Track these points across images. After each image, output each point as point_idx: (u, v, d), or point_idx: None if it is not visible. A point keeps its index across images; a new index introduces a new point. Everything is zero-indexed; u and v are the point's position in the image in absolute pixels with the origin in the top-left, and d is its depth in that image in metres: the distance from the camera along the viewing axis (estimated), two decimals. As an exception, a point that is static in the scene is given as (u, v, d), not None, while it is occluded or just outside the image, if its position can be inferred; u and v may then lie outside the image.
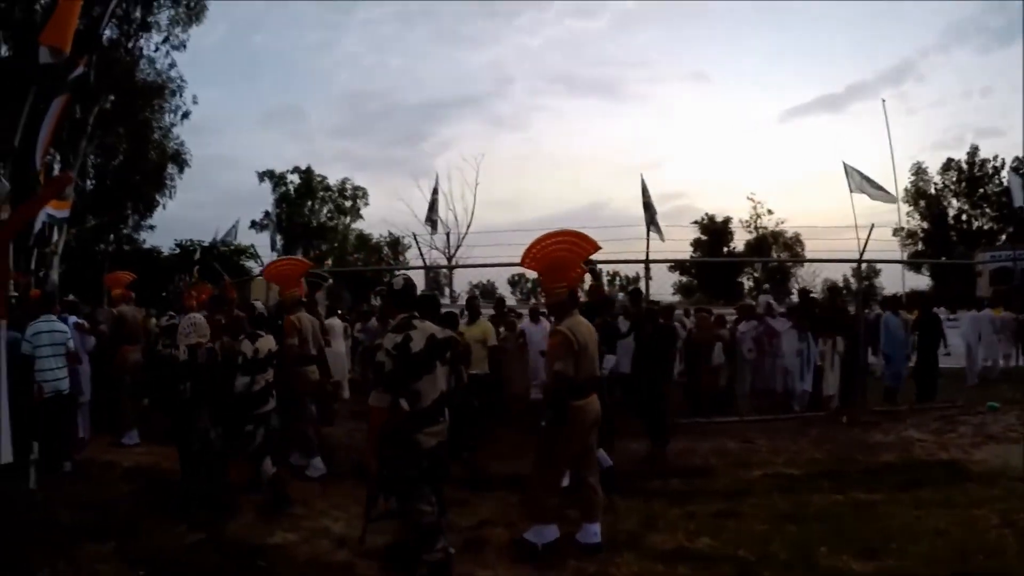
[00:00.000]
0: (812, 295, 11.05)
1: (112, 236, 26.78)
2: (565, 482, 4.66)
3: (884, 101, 37.88)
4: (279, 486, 5.31)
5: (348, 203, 43.11)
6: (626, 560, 4.12)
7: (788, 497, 5.30)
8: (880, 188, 10.12)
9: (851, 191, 10.37)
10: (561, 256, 4.87)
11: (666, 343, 7.29)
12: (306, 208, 41.76)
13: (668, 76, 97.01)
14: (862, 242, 9.26)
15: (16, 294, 6.53)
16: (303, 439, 6.40)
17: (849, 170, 10.33)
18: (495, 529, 4.71)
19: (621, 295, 11.31)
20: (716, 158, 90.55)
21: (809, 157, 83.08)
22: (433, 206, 11.97)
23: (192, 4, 24.83)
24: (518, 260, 7.60)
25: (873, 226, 9.04)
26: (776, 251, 41.53)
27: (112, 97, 23.24)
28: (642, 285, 9.42)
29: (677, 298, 35.82)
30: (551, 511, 4.36)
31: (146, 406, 7.39)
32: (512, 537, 4.44)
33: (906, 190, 38.62)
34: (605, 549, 4.29)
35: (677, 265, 36.51)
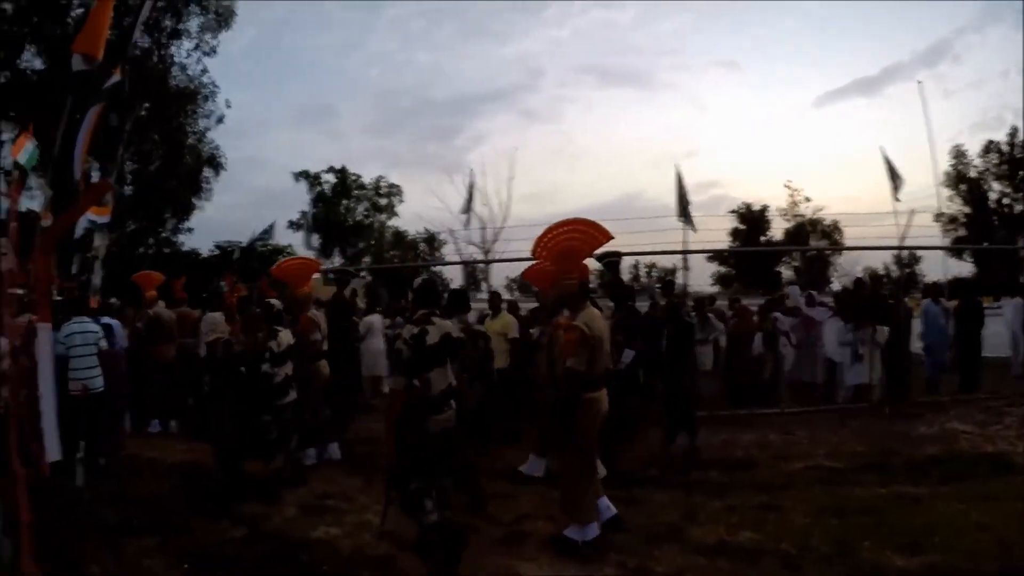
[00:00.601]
0: (863, 284, 10.80)
1: (152, 239, 27.47)
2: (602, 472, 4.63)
3: (920, 83, 36.72)
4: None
5: (383, 201, 43.12)
6: (667, 553, 4.11)
7: (830, 490, 5.24)
8: (895, 178, 9.79)
9: (889, 177, 10.10)
10: (572, 246, 4.78)
11: (684, 338, 7.17)
12: (342, 207, 41.89)
13: (699, 64, 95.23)
14: (902, 228, 9.08)
15: (60, 298, 6.74)
16: (315, 432, 6.52)
17: (886, 156, 10.04)
18: (536, 523, 4.73)
19: (658, 286, 11.13)
20: (751, 145, 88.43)
21: (846, 142, 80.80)
22: (469, 201, 11.97)
23: (221, 10, 25.29)
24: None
25: (913, 212, 8.82)
26: (815, 239, 40.63)
27: (147, 104, 23.78)
28: (680, 276, 9.34)
29: (716, 289, 35.46)
30: (591, 508, 4.34)
31: (178, 400, 7.90)
32: (553, 532, 4.44)
33: (946, 174, 37.44)
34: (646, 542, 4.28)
35: (715, 255, 35.97)
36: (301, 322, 6.50)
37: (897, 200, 9.55)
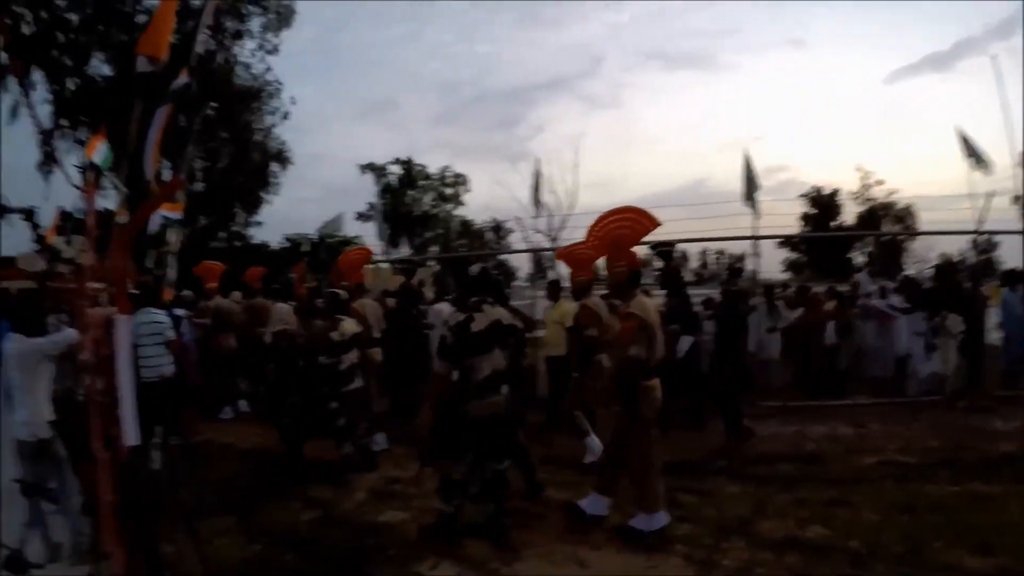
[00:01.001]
0: (943, 271, 10.28)
1: (223, 233, 28.59)
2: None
3: (994, 57, 34.44)
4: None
5: (449, 191, 43.52)
6: (735, 547, 4.05)
7: (901, 486, 5.06)
8: (975, 155, 9.19)
9: (964, 156, 9.52)
10: (622, 234, 4.79)
11: (735, 327, 7.01)
12: (408, 198, 42.42)
13: (763, 44, 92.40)
14: (979, 212, 8.65)
15: (137, 292, 7.13)
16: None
17: (961, 134, 9.47)
18: None
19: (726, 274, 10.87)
20: (819, 127, 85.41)
21: (919, 121, 76.92)
22: (536, 190, 11.96)
23: (281, 10, 25.96)
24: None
25: (991, 194, 8.33)
26: (887, 223, 38.80)
27: (214, 104, 24.68)
28: (749, 263, 9.14)
29: (787, 275, 34.40)
30: (659, 497, 4.33)
31: (246, 388, 8.32)
32: (620, 522, 4.42)
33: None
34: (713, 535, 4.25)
35: (785, 241, 34.86)
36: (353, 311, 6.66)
37: (986, 172, 8.99)
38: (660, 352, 4.43)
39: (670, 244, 7.29)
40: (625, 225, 4.89)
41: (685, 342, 6.84)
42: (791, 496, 4.91)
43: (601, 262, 5.37)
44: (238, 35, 24.57)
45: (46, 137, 22.83)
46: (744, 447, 6.41)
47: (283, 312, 6.58)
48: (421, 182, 43.19)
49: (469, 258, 28.88)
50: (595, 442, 5.90)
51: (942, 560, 3.77)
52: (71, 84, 23.52)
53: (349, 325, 5.97)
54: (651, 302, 4.63)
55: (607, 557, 4.01)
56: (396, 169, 42.75)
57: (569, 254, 6.28)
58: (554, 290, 8.00)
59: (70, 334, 4.21)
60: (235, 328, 8.74)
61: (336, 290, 6.46)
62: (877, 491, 4.97)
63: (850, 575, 3.67)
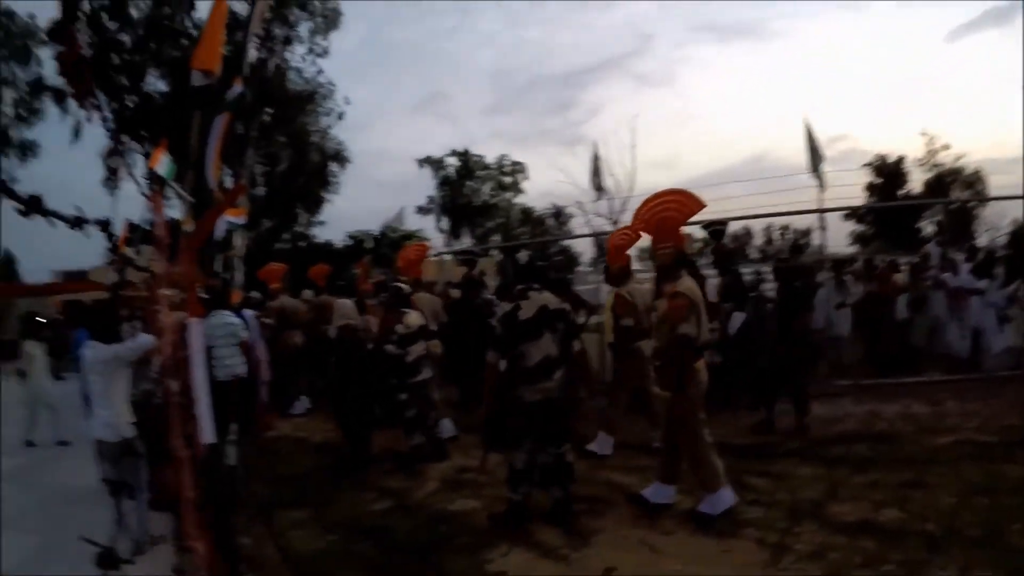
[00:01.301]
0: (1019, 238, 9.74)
1: (287, 235, 29.48)
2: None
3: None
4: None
5: (507, 179, 43.30)
6: (807, 531, 3.95)
7: (979, 467, 4.81)
8: None
9: None
10: (667, 216, 4.80)
11: (794, 304, 6.61)
12: (467, 189, 42.40)
13: (816, 9, 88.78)
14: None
15: (206, 296, 7.44)
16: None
17: None
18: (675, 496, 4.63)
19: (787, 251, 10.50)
20: (879, 92, 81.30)
21: (982, 80, 72.26)
22: (596, 173, 11.84)
23: (327, 12, 26.44)
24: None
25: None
26: (956, 190, 36.69)
27: (269, 109, 25.41)
28: (815, 237, 8.84)
29: (854, 249, 33.07)
30: (716, 473, 4.28)
31: (308, 381, 8.65)
32: (691, 506, 4.38)
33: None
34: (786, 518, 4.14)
35: (851, 213, 33.47)
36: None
37: None
38: (706, 333, 4.42)
39: (721, 223, 7.21)
40: (671, 207, 4.86)
41: (737, 319, 6.78)
42: (865, 478, 4.75)
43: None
44: (287, 41, 25.17)
45: (111, 153, 24.07)
46: (805, 427, 6.20)
47: (346, 308, 6.74)
48: (479, 172, 43.13)
49: (531, 246, 28.88)
50: (607, 439, 5.83)
51: (1022, 544, 3.58)
52: (129, 101, 24.62)
53: (414, 318, 6.06)
54: (695, 282, 4.55)
55: (678, 542, 3.97)
56: (453, 161, 42.81)
57: (609, 240, 6.28)
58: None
59: (145, 340, 4.42)
60: (300, 326, 9.05)
61: (400, 284, 6.57)
62: (954, 472, 4.75)
63: (926, 560, 3.52)
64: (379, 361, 5.94)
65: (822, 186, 8.77)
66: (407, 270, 7.73)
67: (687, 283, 4.40)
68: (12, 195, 1.50)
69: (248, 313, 8.09)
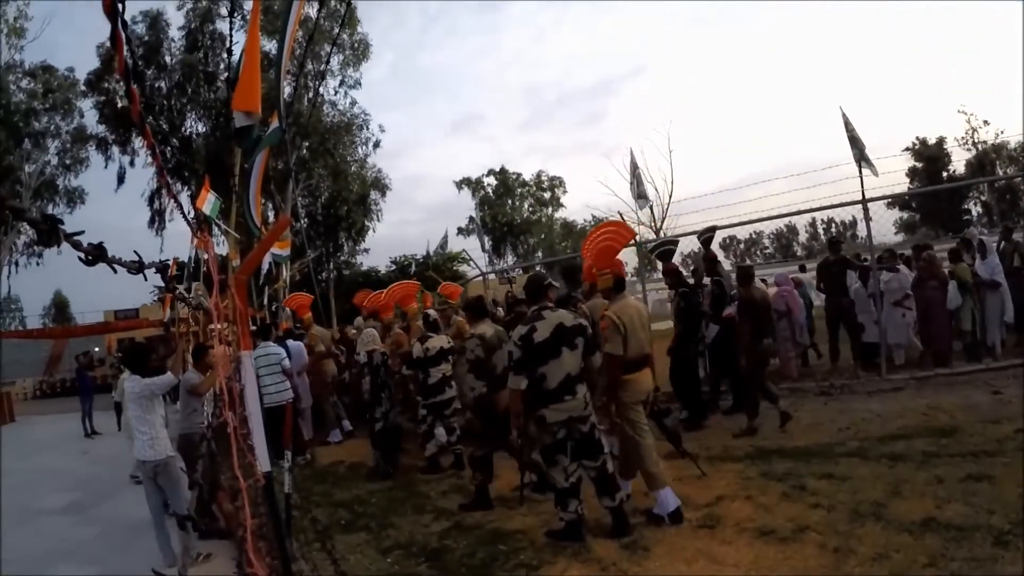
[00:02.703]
0: None
1: (331, 264, 30.12)
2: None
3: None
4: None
5: (547, 194, 43.93)
6: (870, 532, 3.83)
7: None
8: None
9: None
10: (607, 245, 5.30)
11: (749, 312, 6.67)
12: (507, 206, 43.01)
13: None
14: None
15: (255, 328, 7.76)
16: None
17: None
18: (732, 503, 4.59)
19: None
20: (912, 72, 79.28)
21: (1012, 49, 69.58)
22: (637, 181, 11.82)
23: (356, 45, 27.12)
24: (727, 223, 9.00)
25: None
26: (1001, 168, 35.33)
27: (307, 143, 26.11)
28: (861, 228, 8.63)
29: (900, 237, 32.10)
30: (658, 476, 4.46)
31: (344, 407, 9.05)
32: (752, 514, 4.32)
33: None
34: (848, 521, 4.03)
35: (894, 200, 32.59)
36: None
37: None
38: (638, 348, 4.62)
39: (710, 231, 7.99)
40: (609, 237, 5.47)
41: (712, 329, 7.03)
42: (927, 474, 4.60)
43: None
44: (320, 76, 25.90)
45: (157, 195, 25.03)
46: (785, 430, 6.28)
47: (370, 335, 7.23)
48: (518, 190, 43.58)
49: (574, 259, 28.74)
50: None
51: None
52: (171, 146, 25.65)
53: (436, 342, 6.53)
54: (633, 303, 4.88)
55: (739, 551, 3.89)
56: (491, 180, 43.40)
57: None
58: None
59: (169, 378, 4.90)
60: (330, 354, 9.30)
61: (428, 311, 7.15)
62: (1018, 462, 4.54)
63: (993, 555, 3.37)
64: (403, 382, 6.53)
65: (875, 172, 8.52)
66: (403, 304, 8.51)
67: (620, 305, 4.68)
68: (76, 245, 1.59)
69: (296, 344, 8.37)
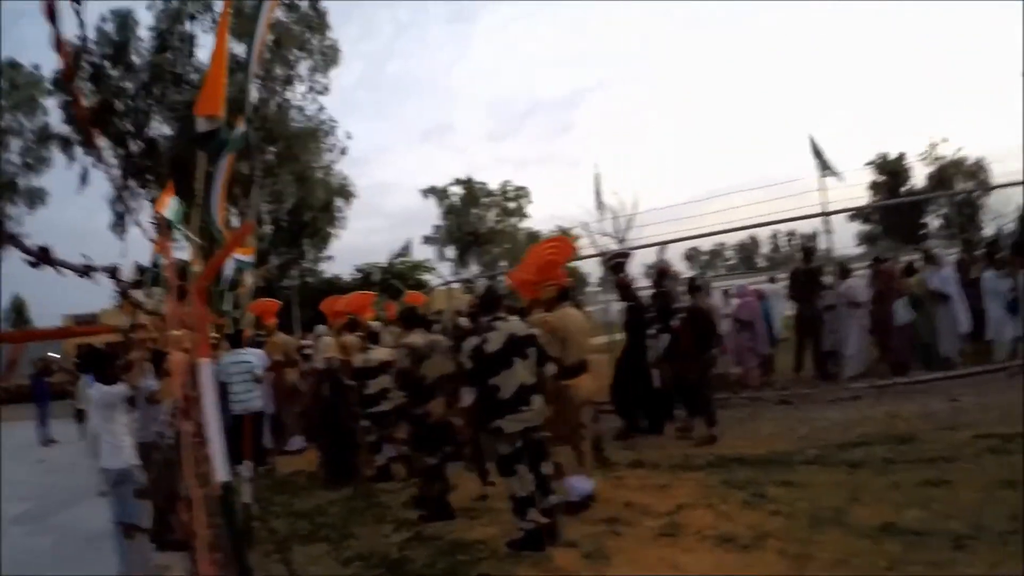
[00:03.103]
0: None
1: (295, 271, 29.71)
2: None
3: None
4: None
5: (512, 204, 43.91)
6: (830, 538, 3.89)
7: (1001, 460, 4.75)
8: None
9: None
10: (551, 259, 5.60)
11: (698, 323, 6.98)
12: (472, 216, 42.87)
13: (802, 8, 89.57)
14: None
15: (223, 335, 7.64)
16: None
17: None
18: (693, 511, 4.63)
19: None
20: (875, 89, 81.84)
21: (976, 66, 72.56)
22: (598, 193, 11.96)
23: (325, 51, 26.91)
24: (691, 234, 9.30)
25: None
26: (960, 182, 36.53)
27: (272, 148, 25.77)
28: (821, 240, 8.81)
29: (862, 249, 32.90)
30: (588, 466, 5.02)
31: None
32: (712, 523, 4.37)
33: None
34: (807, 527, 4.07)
35: (856, 213, 33.42)
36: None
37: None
38: (577, 355, 4.95)
39: (623, 255, 8.35)
40: (552, 252, 5.74)
41: (663, 340, 7.12)
42: (885, 480, 4.71)
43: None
44: (288, 80, 25.62)
45: (118, 198, 24.47)
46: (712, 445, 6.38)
47: (326, 343, 7.46)
48: (483, 199, 43.56)
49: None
50: None
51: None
52: (134, 146, 25.09)
53: (377, 354, 6.61)
54: (573, 313, 5.28)
55: (699, 559, 3.93)
56: (457, 190, 43.28)
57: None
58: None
59: (121, 388, 4.87)
60: (293, 363, 9.14)
61: (370, 323, 7.36)
62: (975, 467, 4.70)
63: (952, 558, 3.46)
64: (345, 392, 6.68)
65: (841, 178, 8.69)
66: (359, 313, 8.50)
67: (559, 314, 5.04)
68: (22, 247, 1.54)
69: (256, 352, 8.24)
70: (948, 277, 8.24)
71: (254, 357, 7.48)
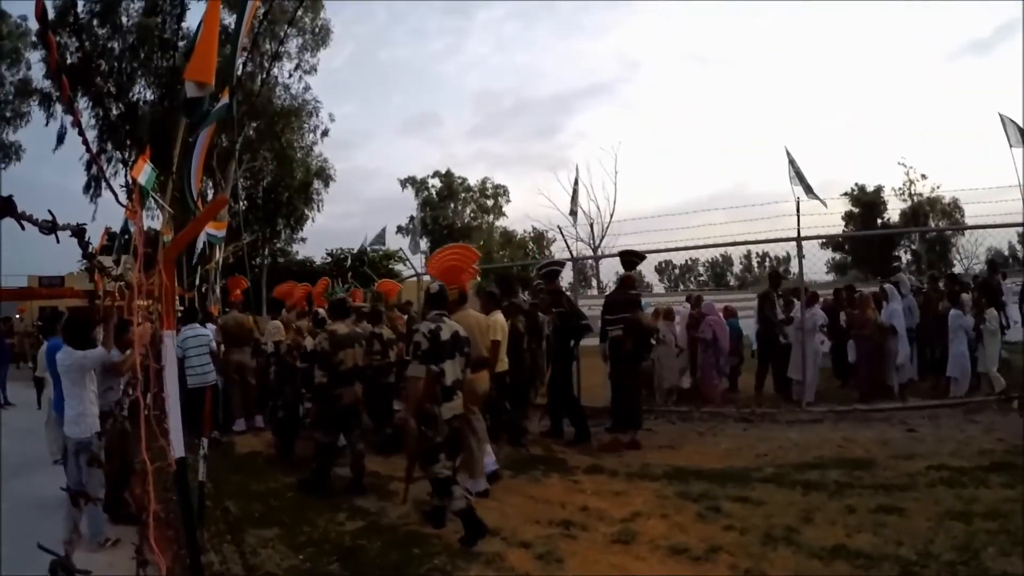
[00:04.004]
0: (995, 268, 10.04)
1: (267, 250, 29.29)
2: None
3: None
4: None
5: (490, 202, 43.76)
6: (781, 556, 3.94)
7: (954, 492, 4.86)
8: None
9: (1010, 146, 9.05)
10: (454, 264, 6.04)
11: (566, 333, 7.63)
12: (449, 210, 42.68)
13: (793, 41, 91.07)
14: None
15: (182, 308, 7.55)
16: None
17: (1006, 121, 9.04)
18: (647, 520, 4.65)
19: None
20: (859, 123, 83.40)
21: (960, 110, 74.60)
22: (575, 197, 11.98)
23: (317, 30, 26.56)
24: (663, 247, 9.35)
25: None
26: (934, 219, 37.40)
27: (255, 124, 25.33)
28: (794, 265, 9.00)
29: (831, 277, 33.53)
30: (481, 467, 5.42)
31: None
32: (666, 532, 4.39)
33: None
34: (760, 544, 4.12)
35: (829, 241, 33.98)
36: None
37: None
38: (476, 352, 5.23)
39: (558, 263, 8.91)
40: (455, 258, 6.36)
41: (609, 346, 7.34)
42: (839, 503, 4.78)
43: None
44: (276, 56, 25.23)
45: (93, 160, 23.85)
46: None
47: (275, 326, 7.60)
48: (462, 194, 43.41)
49: (511, 268, 28.79)
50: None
51: (996, 568, 3.60)
52: (115, 109, 24.46)
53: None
54: (472, 314, 5.70)
55: (651, 567, 3.94)
56: (436, 182, 43.03)
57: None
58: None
59: (101, 352, 4.80)
60: (246, 342, 8.86)
61: (318, 309, 7.62)
62: (928, 497, 4.79)
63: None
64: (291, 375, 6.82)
65: (824, 203, 8.88)
66: (298, 303, 9.04)
67: (460, 315, 5.38)
68: (-22, 197, 1.48)
69: (210, 327, 8.26)
70: (894, 311, 8.46)
71: (210, 332, 7.69)
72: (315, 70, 27.19)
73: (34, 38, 24.66)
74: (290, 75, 26.91)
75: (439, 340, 4.47)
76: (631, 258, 7.63)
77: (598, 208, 25.59)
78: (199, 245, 9.71)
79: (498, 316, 6.24)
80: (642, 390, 7.29)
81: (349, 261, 24.51)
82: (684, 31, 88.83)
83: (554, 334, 7.77)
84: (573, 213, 11.73)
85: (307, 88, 27.47)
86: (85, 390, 4.63)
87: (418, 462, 4.55)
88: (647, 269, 8.22)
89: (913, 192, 38.75)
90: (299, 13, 24.77)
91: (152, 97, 24.60)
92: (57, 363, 4.78)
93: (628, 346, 6.90)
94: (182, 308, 7.59)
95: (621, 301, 7.17)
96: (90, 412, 4.63)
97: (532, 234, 41.26)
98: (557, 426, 7.57)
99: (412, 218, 40.57)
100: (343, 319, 6.09)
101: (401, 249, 19.79)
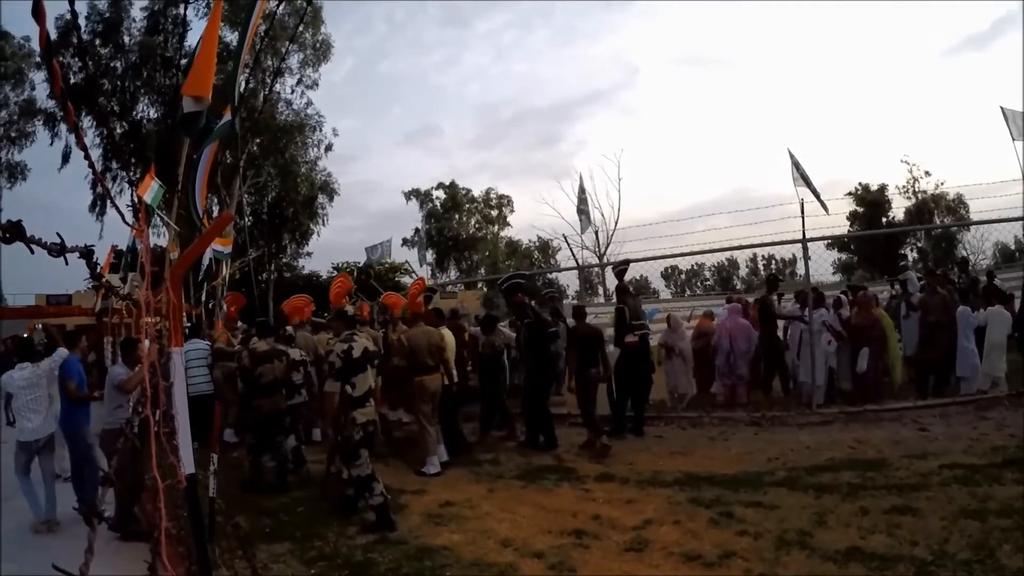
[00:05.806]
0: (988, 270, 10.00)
1: (273, 265, 29.40)
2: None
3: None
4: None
5: (494, 212, 43.91)
6: (795, 560, 3.92)
7: (967, 490, 4.83)
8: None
9: (1013, 139, 9.00)
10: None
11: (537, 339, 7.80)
12: (454, 221, 42.81)
13: (792, 42, 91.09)
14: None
15: (189, 324, 7.61)
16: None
17: (1008, 115, 8.99)
18: (660, 528, 4.64)
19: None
20: (861, 122, 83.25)
21: (961, 105, 74.51)
22: (581, 205, 11.98)
23: (318, 45, 26.76)
24: (669, 253, 9.68)
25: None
26: (938, 216, 37.17)
27: (258, 140, 25.49)
28: (800, 267, 8.97)
29: (837, 278, 33.35)
30: (434, 449, 6.61)
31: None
32: (679, 539, 4.38)
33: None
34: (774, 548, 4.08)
35: (835, 242, 33.84)
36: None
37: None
38: (423, 359, 6.61)
39: (522, 276, 9.42)
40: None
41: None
42: (852, 505, 4.75)
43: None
44: (278, 72, 25.41)
45: (98, 179, 24.00)
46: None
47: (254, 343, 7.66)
48: (466, 205, 43.51)
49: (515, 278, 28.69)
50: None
51: (1013, 566, 3.57)
52: (119, 128, 24.67)
53: (293, 353, 6.99)
54: (424, 328, 6.89)
55: (665, 571, 3.93)
56: (440, 193, 43.18)
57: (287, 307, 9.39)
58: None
59: (61, 354, 5.61)
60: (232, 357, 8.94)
61: (289, 326, 8.20)
62: (942, 495, 4.76)
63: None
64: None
65: (826, 210, 8.85)
66: (294, 316, 9.16)
67: (412, 330, 6.82)
68: (-8, 222, 1.49)
69: (206, 342, 8.42)
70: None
71: (208, 345, 8.08)
72: (316, 85, 27.45)
73: (37, 59, 24.96)
74: (292, 90, 27.17)
75: (351, 358, 5.19)
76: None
77: (603, 216, 25.57)
78: (205, 261, 9.79)
79: (445, 330, 7.20)
80: (593, 396, 7.45)
81: (355, 274, 24.67)
82: (682, 34, 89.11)
83: (525, 344, 7.95)
84: (582, 212, 11.68)
85: (309, 103, 27.71)
86: (42, 396, 5.53)
87: (341, 461, 5.32)
88: (653, 275, 8.24)
89: (917, 189, 38.60)
90: (299, 29, 24.94)
91: (155, 115, 24.83)
92: (15, 382, 5.55)
93: (574, 357, 7.44)
94: (189, 325, 7.67)
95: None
96: (49, 413, 5.58)
97: (537, 243, 41.28)
98: (533, 435, 7.62)
99: (418, 230, 40.68)
100: (267, 337, 6.86)
101: (407, 261, 19.90)
